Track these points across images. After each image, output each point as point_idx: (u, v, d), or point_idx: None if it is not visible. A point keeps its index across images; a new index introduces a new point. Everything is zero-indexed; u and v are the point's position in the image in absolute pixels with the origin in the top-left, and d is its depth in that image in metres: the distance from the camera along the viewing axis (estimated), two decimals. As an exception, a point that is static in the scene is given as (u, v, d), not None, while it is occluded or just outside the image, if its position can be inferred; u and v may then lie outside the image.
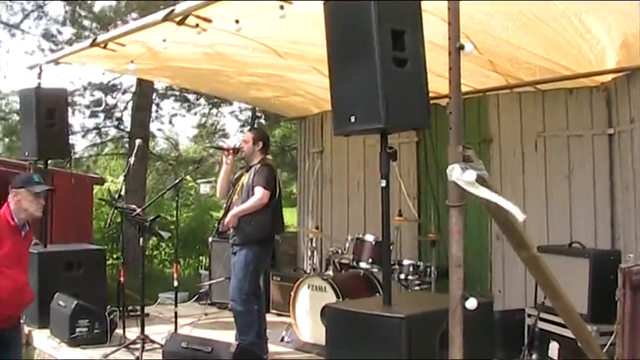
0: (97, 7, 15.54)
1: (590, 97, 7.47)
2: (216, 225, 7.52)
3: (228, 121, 39.70)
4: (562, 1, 5.60)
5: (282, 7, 6.05)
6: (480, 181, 3.88)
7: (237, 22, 6.53)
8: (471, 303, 3.95)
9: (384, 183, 4.67)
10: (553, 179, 7.81)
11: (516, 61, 7.24)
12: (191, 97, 18.17)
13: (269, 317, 9.16)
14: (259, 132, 7.82)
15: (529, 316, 6.71)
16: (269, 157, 7.43)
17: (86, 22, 15.38)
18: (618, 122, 7.10)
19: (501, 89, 8.10)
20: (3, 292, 5.00)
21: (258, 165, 7.08)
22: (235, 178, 7.34)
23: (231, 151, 7.36)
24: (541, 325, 6.42)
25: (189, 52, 7.96)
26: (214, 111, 19.38)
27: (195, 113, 19.44)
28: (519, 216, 4.04)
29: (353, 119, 4.56)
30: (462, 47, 3.97)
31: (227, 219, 7.05)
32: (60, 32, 15.97)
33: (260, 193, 6.90)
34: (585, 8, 5.70)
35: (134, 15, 14.29)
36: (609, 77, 7.11)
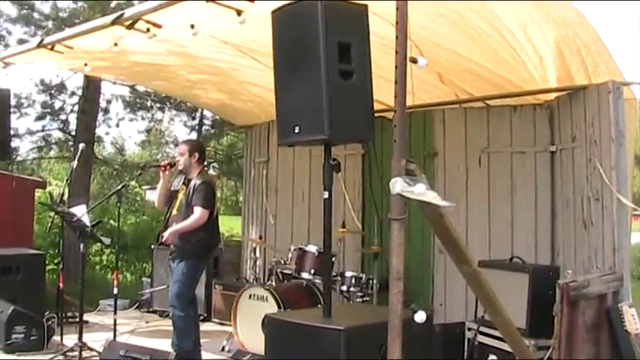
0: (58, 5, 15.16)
1: (533, 114, 7.57)
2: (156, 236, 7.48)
3: (177, 127, 39.38)
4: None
5: (239, 14, 6.02)
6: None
7: (192, 27, 6.50)
8: (420, 316, 3.94)
9: (326, 195, 4.67)
10: (496, 194, 7.89)
11: (464, 74, 7.31)
12: (140, 101, 17.95)
13: (211, 326, 9.15)
14: (194, 143, 7.77)
15: (469, 329, 6.76)
16: (210, 171, 7.44)
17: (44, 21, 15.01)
18: (560, 140, 7.20)
19: (449, 104, 8.16)
20: None
21: (198, 181, 7.09)
22: (174, 191, 7.37)
23: (167, 167, 7.39)
24: (480, 338, 6.48)
25: (141, 46, 7.80)
26: (161, 116, 19.14)
27: (143, 118, 19.16)
28: (445, 204, 4.04)
29: (297, 130, 4.57)
30: (414, 61, 3.97)
31: (165, 236, 7.08)
32: (9, 33, 15.59)
33: (199, 213, 6.98)
34: (520, 10, 5.71)
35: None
36: (552, 96, 7.23)
